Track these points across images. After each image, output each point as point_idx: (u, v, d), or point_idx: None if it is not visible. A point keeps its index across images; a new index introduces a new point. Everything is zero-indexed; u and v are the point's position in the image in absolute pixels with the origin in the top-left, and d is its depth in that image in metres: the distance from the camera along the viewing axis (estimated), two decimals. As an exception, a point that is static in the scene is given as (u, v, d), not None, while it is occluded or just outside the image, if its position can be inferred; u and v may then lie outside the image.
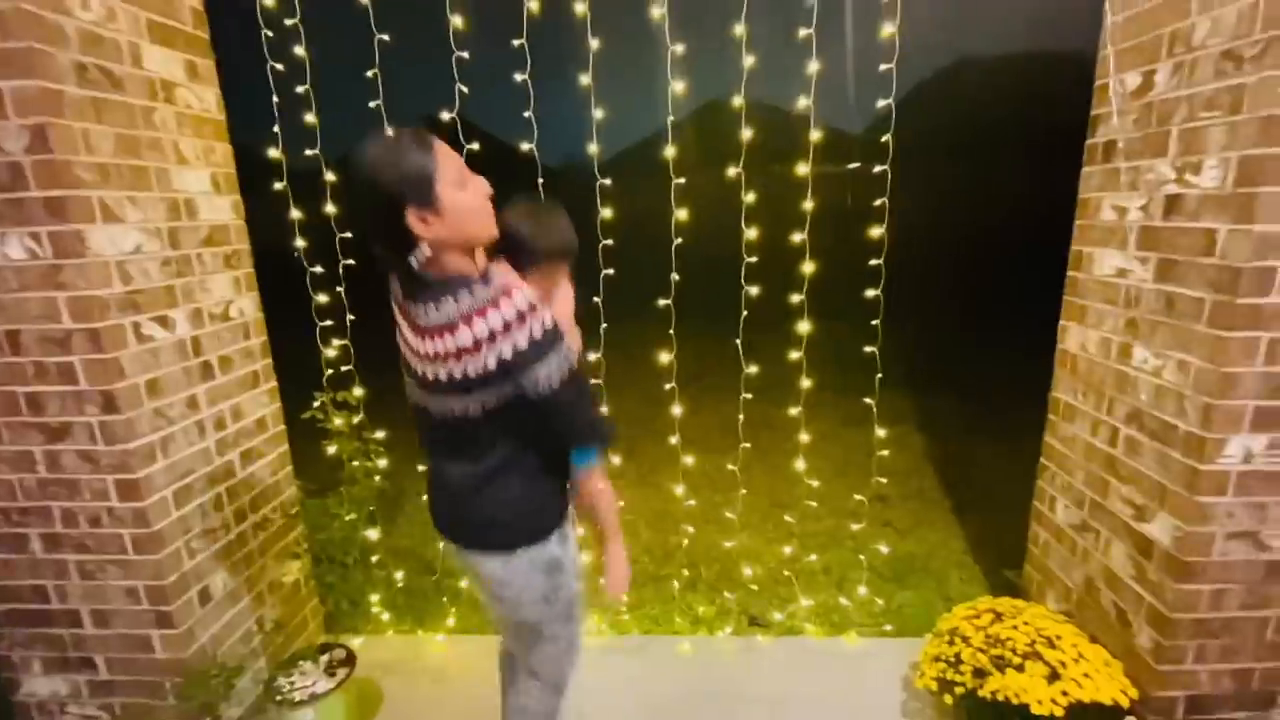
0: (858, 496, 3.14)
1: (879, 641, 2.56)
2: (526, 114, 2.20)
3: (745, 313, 2.41)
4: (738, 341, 2.43)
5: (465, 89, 2.20)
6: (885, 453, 2.91)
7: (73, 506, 1.86)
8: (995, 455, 4.23)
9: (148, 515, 1.87)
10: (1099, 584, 2.07)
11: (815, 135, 2.19)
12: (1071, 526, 2.21)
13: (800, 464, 2.68)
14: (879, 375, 2.49)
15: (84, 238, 1.68)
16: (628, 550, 1.58)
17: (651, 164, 2.30)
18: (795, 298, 2.37)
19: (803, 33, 2.07)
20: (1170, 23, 1.75)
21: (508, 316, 1.19)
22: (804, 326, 2.38)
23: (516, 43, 2.13)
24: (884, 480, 3.31)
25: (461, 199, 1.22)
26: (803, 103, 2.17)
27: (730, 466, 2.87)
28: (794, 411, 2.56)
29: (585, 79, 2.19)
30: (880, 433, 2.72)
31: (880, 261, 2.24)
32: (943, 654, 2.03)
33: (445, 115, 2.24)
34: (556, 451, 1.44)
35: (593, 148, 2.27)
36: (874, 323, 2.39)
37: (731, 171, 2.30)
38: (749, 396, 2.58)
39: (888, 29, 2.02)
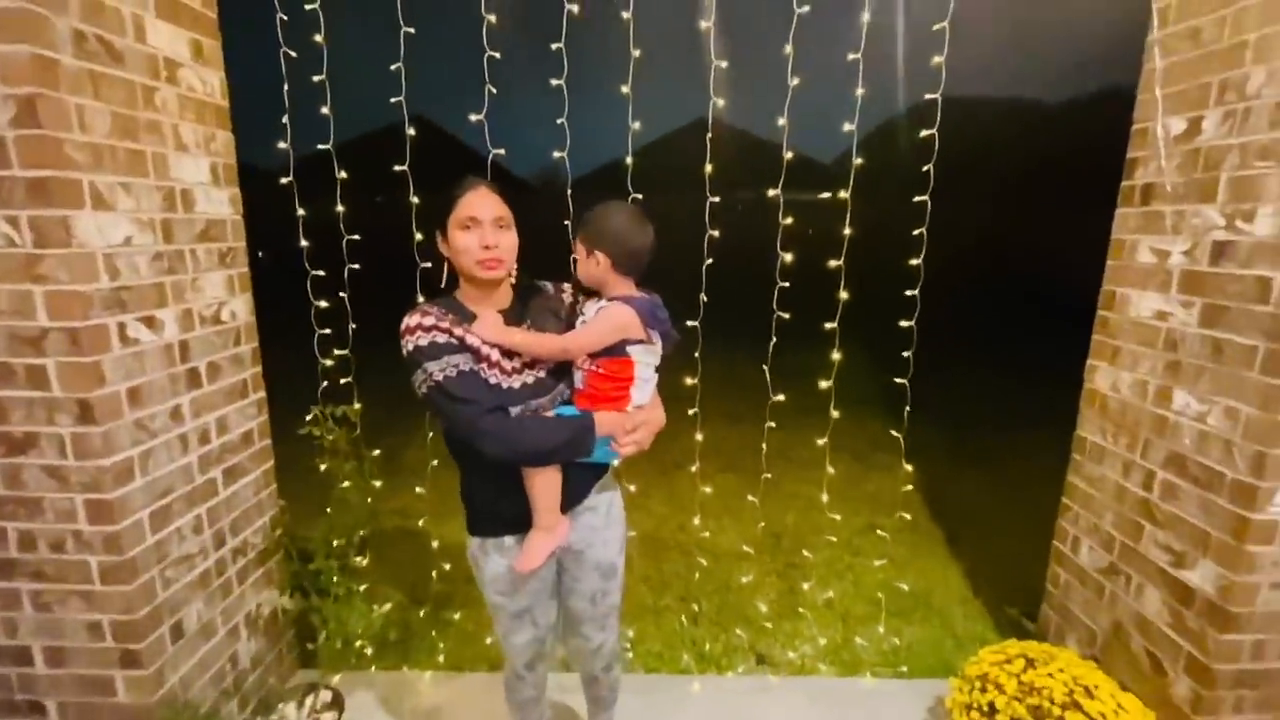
0: (852, 531, 3.07)
1: (894, 682, 2.48)
2: (475, 117, 2.10)
3: (700, 343, 2.32)
4: (690, 381, 2.34)
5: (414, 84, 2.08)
6: (872, 487, 2.86)
7: (32, 529, 1.63)
8: (981, 484, 4.24)
9: (120, 541, 1.65)
10: (1129, 629, 2.04)
11: (788, 155, 2.18)
12: (1098, 570, 2.18)
13: (793, 493, 2.60)
14: (835, 414, 2.45)
15: (70, 226, 1.48)
16: (555, 541, 1.54)
17: (639, 179, 2.19)
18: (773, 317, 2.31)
19: (786, 49, 2.02)
20: (1220, 71, 1.76)
21: (402, 326, 1.44)
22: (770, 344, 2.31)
23: (492, 54, 2.02)
24: (881, 520, 3.26)
25: (455, 237, 1.46)
26: (780, 121, 2.13)
27: (706, 489, 2.77)
28: (763, 446, 2.48)
29: (555, 81, 2.09)
30: (854, 463, 2.66)
31: (844, 295, 2.21)
32: (975, 702, 1.96)
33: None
34: (482, 461, 1.45)
35: (558, 153, 2.15)
36: (834, 357, 2.34)
37: (715, 199, 2.25)
38: (692, 411, 2.49)
39: (852, 56, 1.98)
